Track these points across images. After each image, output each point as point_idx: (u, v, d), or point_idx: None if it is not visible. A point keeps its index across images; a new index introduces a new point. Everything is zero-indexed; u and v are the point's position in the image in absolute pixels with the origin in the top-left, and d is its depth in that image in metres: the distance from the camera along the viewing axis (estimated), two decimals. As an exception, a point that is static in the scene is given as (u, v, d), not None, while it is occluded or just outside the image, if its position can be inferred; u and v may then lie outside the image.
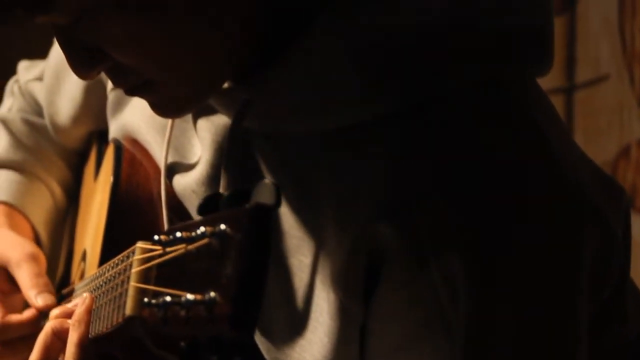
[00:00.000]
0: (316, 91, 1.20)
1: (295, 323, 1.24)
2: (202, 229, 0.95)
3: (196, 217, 1.29)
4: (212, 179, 1.29)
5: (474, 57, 1.20)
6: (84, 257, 1.56)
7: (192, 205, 1.32)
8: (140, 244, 1.09)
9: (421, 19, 1.19)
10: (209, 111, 1.31)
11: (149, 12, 1.15)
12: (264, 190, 0.94)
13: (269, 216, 0.92)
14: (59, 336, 1.24)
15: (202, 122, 1.32)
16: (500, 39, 1.21)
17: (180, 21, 1.16)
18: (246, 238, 0.92)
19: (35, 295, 1.51)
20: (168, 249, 1.01)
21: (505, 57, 1.22)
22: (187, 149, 1.35)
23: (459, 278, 1.15)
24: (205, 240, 0.95)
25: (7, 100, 1.77)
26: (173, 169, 1.35)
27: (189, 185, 1.31)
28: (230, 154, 1.26)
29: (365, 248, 1.17)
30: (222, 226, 0.94)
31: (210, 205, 0.99)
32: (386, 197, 1.17)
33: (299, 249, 1.22)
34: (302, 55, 1.19)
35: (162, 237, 1.02)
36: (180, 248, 0.99)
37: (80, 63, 1.19)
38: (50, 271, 1.65)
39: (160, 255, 1.02)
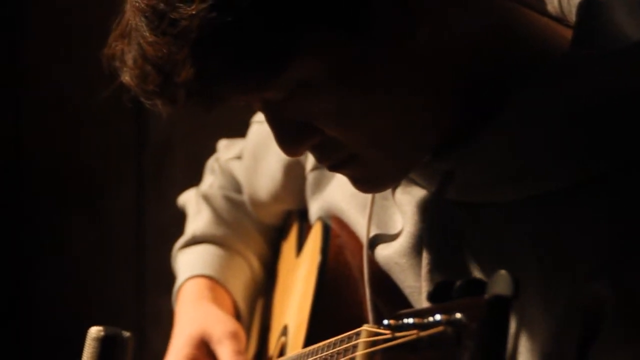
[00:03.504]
0: (519, 160, 1.21)
1: None
2: (437, 316, 0.96)
3: (404, 287, 1.32)
4: (413, 249, 1.31)
5: None
6: (284, 332, 1.59)
7: (396, 277, 1.33)
8: (366, 327, 1.11)
9: (624, 83, 1.20)
10: (407, 184, 1.33)
11: (362, 87, 1.19)
12: (501, 281, 0.94)
13: (508, 307, 0.93)
14: None
15: (402, 196, 1.34)
16: None
17: (395, 95, 1.20)
18: (484, 328, 0.92)
19: None
20: (397, 334, 1.02)
21: None
22: (389, 224, 1.37)
23: None
24: (439, 328, 0.96)
25: (208, 177, 1.83)
26: (375, 241, 1.37)
27: (391, 257, 1.33)
28: (432, 226, 1.28)
29: (579, 310, 1.17)
30: (458, 315, 0.95)
31: (441, 293, 1.00)
32: (602, 257, 1.17)
33: None
34: (503, 125, 1.21)
35: (392, 321, 1.03)
36: (411, 334, 1.00)
37: (288, 139, 1.23)
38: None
39: (388, 340, 1.04)
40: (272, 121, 1.23)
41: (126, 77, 1.19)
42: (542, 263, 1.20)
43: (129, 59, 1.18)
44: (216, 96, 1.17)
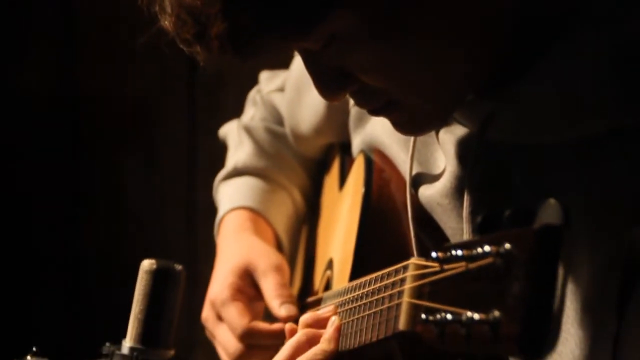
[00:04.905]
0: (565, 101, 1.18)
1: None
2: (486, 247, 0.94)
3: (445, 228, 1.31)
4: (456, 190, 1.29)
5: None
6: (329, 266, 1.58)
7: (439, 218, 1.32)
8: (414, 260, 1.09)
9: None
10: (450, 123, 1.31)
11: (397, 38, 1.17)
12: (551, 210, 0.92)
13: (558, 237, 0.91)
14: (310, 343, 1.26)
15: (444, 135, 1.32)
16: None
17: (426, 45, 1.18)
18: (534, 259, 0.90)
19: (279, 305, 1.55)
20: (446, 267, 1.00)
21: None
22: (431, 161, 1.36)
23: None
24: (488, 259, 0.94)
25: (250, 109, 1.82)
26: (418, 180, 1.36)
27: (433, 197, 1.32)
28: (474, 166, 1.26)
29: (621, 255, 1.15)
30: (507, 245, 0.93)
31: (490, 223, 0.98)
32: None
33: None
34: (550, 66, 1.18)
35: (440, 254, 1.01)
36: (459, 266, 0.98)
37: (327, 86, 1.22)
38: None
39: (436, 272, 1.02)
40: (310, 68, 1.23)
41: (165, 22, 1.18)
42: (588, 206, 1.18)
43: (167, 5, 1.17)
44: (249, 49, 1.16)
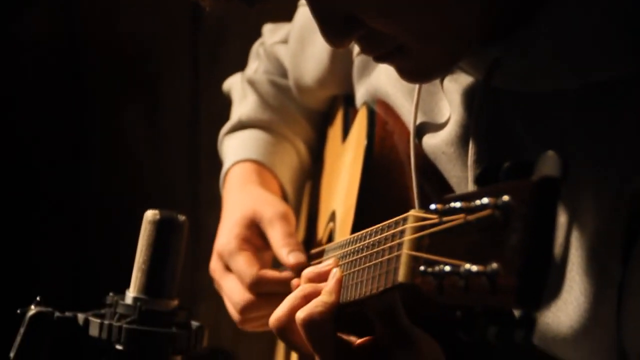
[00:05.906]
0: (570, 49, 1.18)
1: (550, 283, 1.23)
2: (485, 199, 0.94)
3: (450, 177, 1.31)
4: (461, 138, 1.29)
5: None
6: (332, 218, 1.58)
7: (443, 167, 1.32)
8: (413, 212, 1.09)
9: None
10: (455, 72, 1.31)
11: None
12: (549, 162, 0.92)
13: (556, 189, 0.91)
14: (308, 299, 1.27)
15: (449, 84, 1.32)
16: None
17: None
18: (532, 210, 0.90)
19: (287, 253, 1.54)
20: (445, 219, 1.00)
21: None
22: (435, 111, 1.35)
23: None
24: (487, 211, 0.94)
25: (253, 62, 1.82)
26: (422, 130, 1.36)
27: (438, 146, 1.32)
28: (479, 114, 1.26)
29: (625, 204, 1.16)
30: (506, 197, 0.93)
31: (489, 175, 0.98)
32: None
33: None
34: (555, 14, 1.18)
35: (439, 206, 1.01)
36: (458, 218, 0.98)
37: (333, 32, 1.21)
38: (293, 229, 1.68)
39: (435, 224, 1.02)
40: (317, 13, 1.21)
41: None
42: (593, 155, 1.18)
43: None
44: None
